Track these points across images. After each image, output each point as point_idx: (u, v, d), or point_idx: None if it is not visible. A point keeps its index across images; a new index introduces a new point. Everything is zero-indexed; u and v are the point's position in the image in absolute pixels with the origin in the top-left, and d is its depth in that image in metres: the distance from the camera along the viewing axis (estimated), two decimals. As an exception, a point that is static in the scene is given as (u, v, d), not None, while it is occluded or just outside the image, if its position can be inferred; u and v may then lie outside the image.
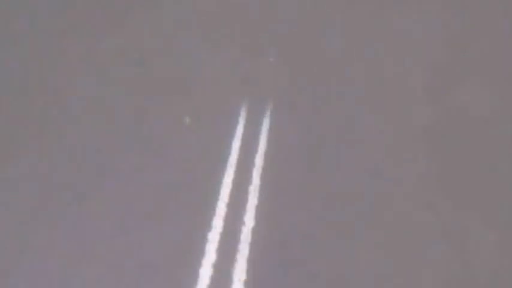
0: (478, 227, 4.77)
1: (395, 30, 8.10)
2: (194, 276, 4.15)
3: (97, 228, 4.50)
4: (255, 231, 4.60)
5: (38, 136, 5.49)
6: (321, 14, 8.46)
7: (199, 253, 4.34)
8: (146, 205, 4.82)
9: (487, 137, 6.04)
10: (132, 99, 6.27)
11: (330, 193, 5.15)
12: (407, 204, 5.03)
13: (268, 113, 6.27)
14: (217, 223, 4.67)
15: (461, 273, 4.31)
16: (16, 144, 5.36)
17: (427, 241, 4.60)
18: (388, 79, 7.02)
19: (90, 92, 6.29)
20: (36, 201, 4.71)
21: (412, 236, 4.65)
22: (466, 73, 7.21)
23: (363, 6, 8.75)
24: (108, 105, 6.11)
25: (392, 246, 4.55)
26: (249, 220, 4.73)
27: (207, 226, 4.63)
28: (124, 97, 6.27)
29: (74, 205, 4.71)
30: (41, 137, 5.48)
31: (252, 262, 4.29)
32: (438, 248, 4.53)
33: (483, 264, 4.40)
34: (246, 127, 5.99)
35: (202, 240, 4.46)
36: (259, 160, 5.49)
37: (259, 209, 4.85)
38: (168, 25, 7.83)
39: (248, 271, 4.20)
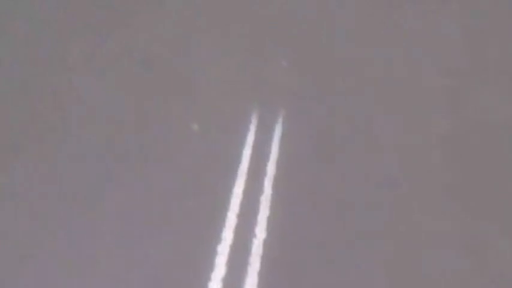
0: (497, 238, 4.70)
1: (412, 31, 8.10)
2: (203, 291, 4.06)
3: (99, 239, 4.41)
4: (266, 243, 4.52)
5: (38, 140, 5.41)
6: (334, 15, 8.45)
7: (209, 266, 4.26)
8: (152, 215, 4.72)
9: (509, 145, 5.94)
10: (136, 103, 6.18)
11: (345, 203, 5.04)
12: (424, 214, 4.93)
13: (280, 120, 6.18)
14: (227, 235, 4.58)
15: (480, 285, 4.24)
16: (15, 148, 5.27)
17: (445, 252, 4.52)
18: (405, 84, 6.95)
19: (92, 95, 6.22)
20: (35, 209, 4.61)
21: (430, 247, 4.57)
22: (487, 78, 7.12)
23: (378, 6, 8.75)
24: (111, 109, 6.02)
25: (410, 257, 4.46)
26: (261, 232, 4.64)
27: (216, 238, 4.54)
28: (127, 101, 6.19)
29: (74, 214, 4.61)
30: (41, 141, 5.40)
31: (263, 276, 4.21)
32: (457, 260, 4.45)
33: (502, 276, 4.33)
34: (257, 134, 5.90)
35: (212, 253, 4.38)
36: (271, 169, 5.40)
37: (271, 220, 4.76)
38: (174, 25, 7.84)
39: (259, 285, 4.12)
